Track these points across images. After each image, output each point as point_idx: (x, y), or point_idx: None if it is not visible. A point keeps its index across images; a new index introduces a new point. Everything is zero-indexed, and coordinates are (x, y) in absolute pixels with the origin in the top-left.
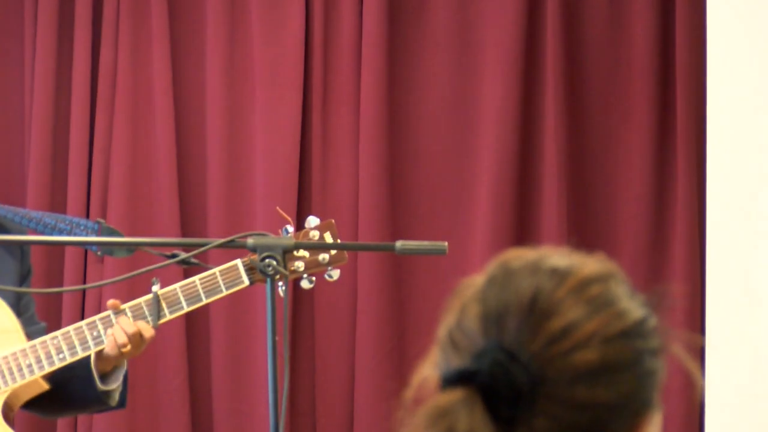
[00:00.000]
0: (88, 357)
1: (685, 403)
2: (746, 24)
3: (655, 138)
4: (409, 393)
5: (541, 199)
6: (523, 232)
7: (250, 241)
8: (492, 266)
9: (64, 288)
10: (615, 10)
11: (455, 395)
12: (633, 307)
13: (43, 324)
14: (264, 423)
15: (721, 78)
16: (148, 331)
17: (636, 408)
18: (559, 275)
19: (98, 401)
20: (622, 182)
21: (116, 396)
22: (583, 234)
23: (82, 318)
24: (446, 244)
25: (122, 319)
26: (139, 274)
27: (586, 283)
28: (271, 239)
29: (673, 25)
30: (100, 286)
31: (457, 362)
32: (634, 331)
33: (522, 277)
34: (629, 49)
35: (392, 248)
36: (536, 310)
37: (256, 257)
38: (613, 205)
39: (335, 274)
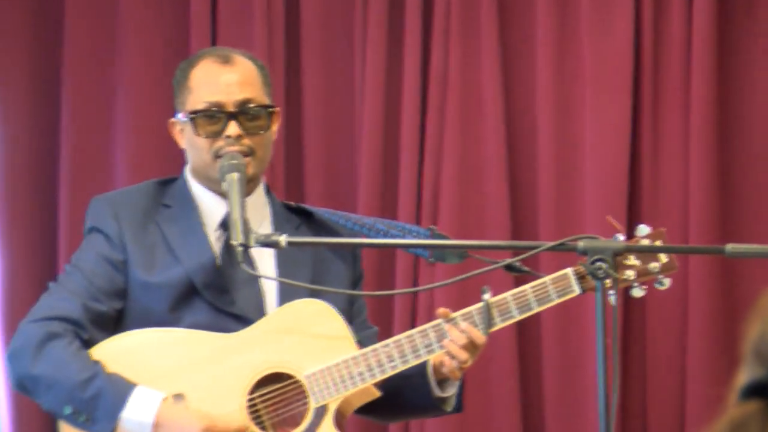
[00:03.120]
0: (424, 365)
1: None
2: None
3: None
4: (728, 402)
5: None
6: None
7: (580, 243)
8: None
9: (395, 291)
10: None
11: (749, 408)
12: None
13: (374, 329)
14: (595, 427)
15: None
16: (479, 339)
17: None
18: None
19: (434, 408)
20: None
21: (452, 401)
22: None
23: (413, 324)
24: None
25: (453, 332)
26: (469, 277)
27: None
28: (601, 242)
29: None
30: (429, 289)
31: (760, 373)
32: None
33: None
34: None
35: (722, 251)
36: None
37: (586, 261)
38: None
39: (666, 282)
